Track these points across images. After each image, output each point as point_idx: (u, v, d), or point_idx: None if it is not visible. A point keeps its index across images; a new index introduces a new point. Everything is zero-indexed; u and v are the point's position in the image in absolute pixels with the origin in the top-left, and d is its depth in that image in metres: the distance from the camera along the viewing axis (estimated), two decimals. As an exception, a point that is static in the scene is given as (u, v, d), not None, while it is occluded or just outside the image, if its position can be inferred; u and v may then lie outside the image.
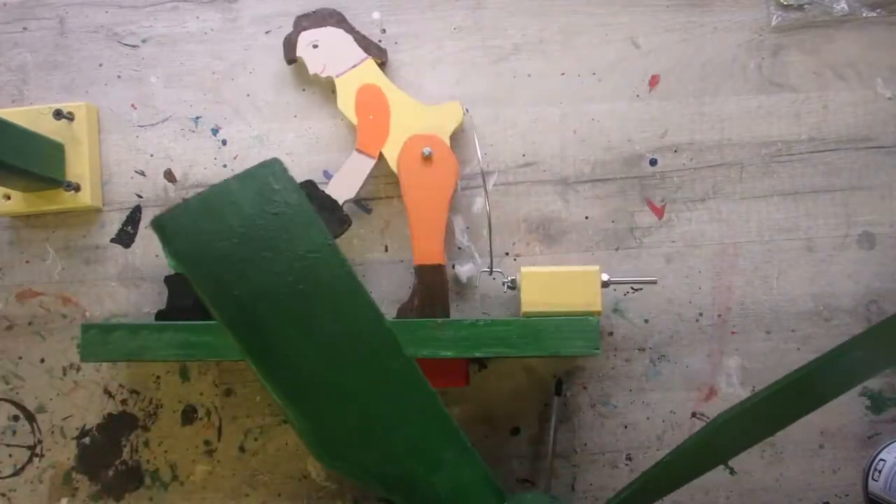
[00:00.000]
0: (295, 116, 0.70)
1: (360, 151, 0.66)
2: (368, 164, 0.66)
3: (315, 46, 0.68)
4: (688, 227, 0.69)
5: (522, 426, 0.68)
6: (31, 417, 0.68)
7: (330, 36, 0.68)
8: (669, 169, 0.69)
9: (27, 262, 0.70)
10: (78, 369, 0.68)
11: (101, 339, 0.62)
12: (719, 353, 0.68)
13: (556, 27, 0.71)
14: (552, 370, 0.68)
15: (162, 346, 0.62)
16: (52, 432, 0.68)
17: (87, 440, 0.68)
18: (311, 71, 0.68)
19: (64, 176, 0.67)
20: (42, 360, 0.69)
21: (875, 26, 0.70)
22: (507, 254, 0.69)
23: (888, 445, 0.66)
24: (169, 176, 0.70)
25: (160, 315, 0.65)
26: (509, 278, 0.65)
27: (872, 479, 0.66)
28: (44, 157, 0.65)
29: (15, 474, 0.68)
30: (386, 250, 0.69)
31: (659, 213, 0.69)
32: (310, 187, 0.69)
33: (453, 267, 0.68)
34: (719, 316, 0.68)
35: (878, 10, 0.70)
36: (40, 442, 0.68)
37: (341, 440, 0.44)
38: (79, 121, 0.68)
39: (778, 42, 0.70)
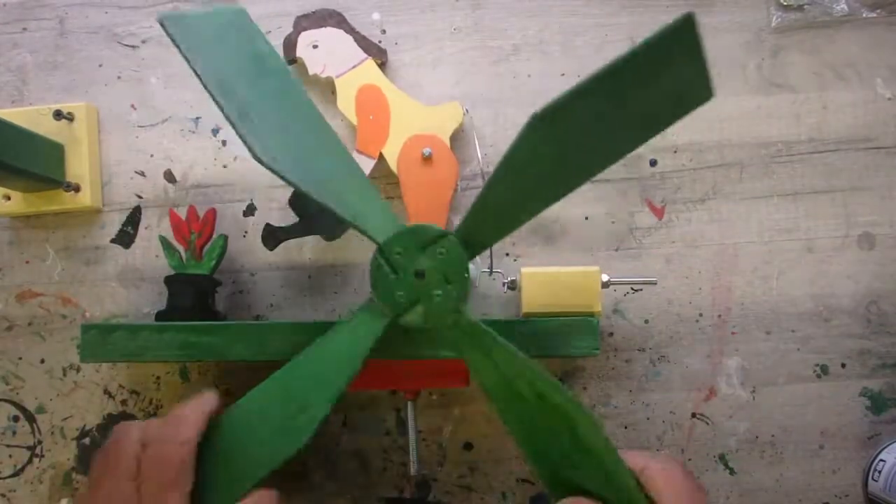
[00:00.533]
0: (295, 117, 0.70)
1: (359, 152, 0.66)
2: (368, 164, 0.66)
3: (315, 47, 0.68)
4: (688, 228, 0.69)
5: (522, 427, 0.68)
6: (30, 418, 0.69)
7: (330, 36, 0.68)
8: (669, 169, 0.69)
9: (27, 262, 0.70)
10: (78, 370, 0.69)
11: (101, 340, 0.62)
12: (719, 354, 0.68)
13: (555, 28, 0.71)
14: (551, 371, 0.68)
15: (162, 347, 0.62)
16: (52, 433, 0.68)
17: (87, 441, 0.68)
18: (311, 71, 0.68)
19: (64, 176, 0.67)
20: (42, 361, 0.69)
21: (875, 27, 0.70)
22: (506, 254, 0.69)
23: (888, 446, 0.66)
24: (169, 176, 0.70)
25: (160, 315, 0.64)
26: (509, 279, 0.65)
27: (872, 479, 0.66)
28: (43, 158, 0.65)
29: (15, 475, 0.68)
30: (386, 251, 0.69)
31: (659, 213, 0.69)
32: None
33: (453, 267, 0.68)
34: (719, 316, 0.68)
35: (879, 11, 0.70)
36: (40, 442, 0.68)
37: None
38: (78, 121, 0.68)
39: (778, 42, 0.70)
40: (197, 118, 0.70)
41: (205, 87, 0.52)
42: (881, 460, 0.65)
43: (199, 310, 0.64)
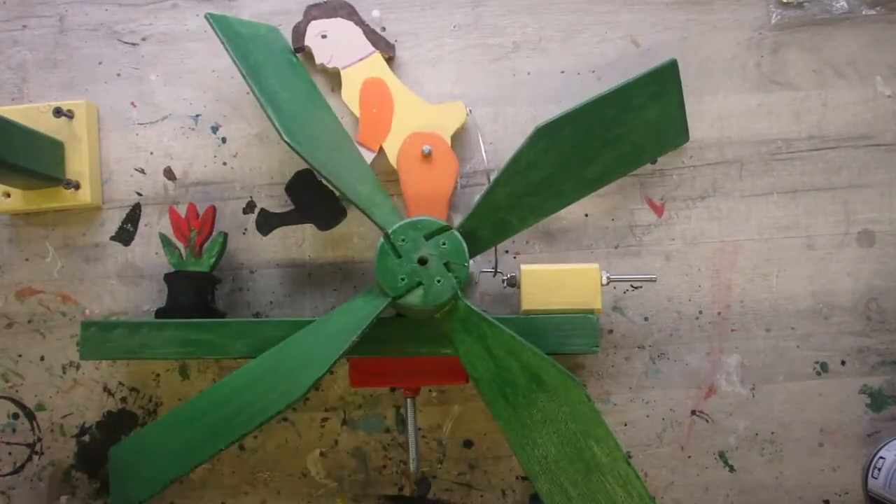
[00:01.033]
0: (295, 114, 0.70)
1: (360, 144, 0.66)
2: (368, 157, 0.66)
3: (324, 37, 0.68)
4: (687, 225, 0.69)
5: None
6: (30, 415, 0.68)
7: (339, 27, 0.68)
8: (669, 167, 0.69)
9: (27, 260, 0.70)
10: (77, 367, 0.68)
11: (100, 337, 0.62)
12: (719, 351, 0.68)
13: (555, 25, 0.71)
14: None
15: (162, 344, 0.62)
16: (52, 430, 0.68)
17: (86, 438, 0.68)
18: (318, 61, 0.68)
19: (63, 174, 0.67)
20: (42, 358, 0.69)
21: (875, 24, 0.70)
22: (506, 251, 0.69)
23: (888, 443, 0.66)
24: (168, 174, 0.70)
25: (160, 313, 0.64)
26: (508, 274, 0.65)
27: (872, 476, 0.66)
28: (43, 155, 0.65)
29: (14, 472, 0.68)
30: (386, 248, 0.69)
31: (659, 211, 0.69)
32: (308, 178, 0.69)
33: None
34: (719, 314, 0.68)
35: (878, 9, 0.70)
36: (40, 440, 0.68)
37: None
38: (78, 119, 0.68)
39: (778, 40, 0.70)
40: (197, 115, 0.70)
41: (241, 74, 0.57)
42: (881, 457, 0.65)
43: (198, 307, 0.64)
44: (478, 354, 0.57)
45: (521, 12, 0.71)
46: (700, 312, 0.68)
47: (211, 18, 0.59)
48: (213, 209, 0.67)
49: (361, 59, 0.68)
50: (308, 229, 0.69)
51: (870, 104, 0.70)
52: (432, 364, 0.63)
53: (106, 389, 0.68)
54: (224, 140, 0.70)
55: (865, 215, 0.69)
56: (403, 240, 0.57)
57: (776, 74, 0.70)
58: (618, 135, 0.61)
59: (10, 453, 0.68)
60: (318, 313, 0.69)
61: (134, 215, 0.70)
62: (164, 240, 0.66)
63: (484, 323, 0.57)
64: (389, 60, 0.69)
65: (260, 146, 0.70)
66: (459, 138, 0.69)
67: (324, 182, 0.68)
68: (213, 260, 0.65)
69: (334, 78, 0.69)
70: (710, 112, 0.70)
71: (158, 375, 0.69)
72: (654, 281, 0.66)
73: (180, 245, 0.66)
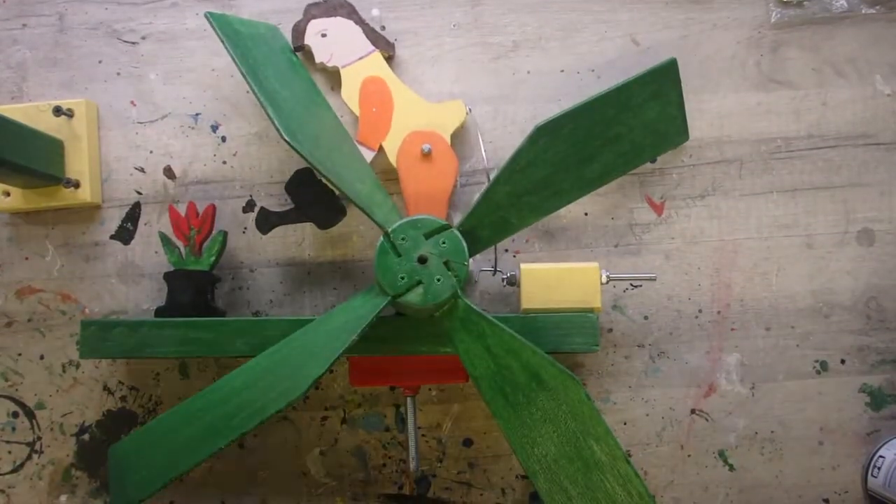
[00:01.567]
0: (294, 113, 0.70)
1: (360, 143, 0.66)
2: (368, 156, 0.66)
3: (324, 35, 0.68)
4: (687, 224, 0.69)
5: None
6: (30, 414, 0.68)
7: (339, 26, 0.68)
8: (669, 166, 0.69)
9: (27, 258, 0.70)
10: (77, 366, 0.68)
11: (100, 336, 0.62)
12: (718, 350, 0.68)
13: (555, 24, 0.71)
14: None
15: (161, 343, 0.62)
16: (52, 429, 0.68)
17: (86, 437, 0.68)
18: (318, 59, 0.68)
19: (63, 173, 0.67)
20: (41, 357, 0.69)
21: (874, 23, 0.70)
22: (506, 250, 0.69)
23: (888, 442, 0.66)
24: (168, 172, 0.70)
25: (160, 312, 0.64)
26: (508, 273, 0.65)
27: (872, 475, 0.66)
28: (43, 154, 0.65)
29: (14, 471, 0.68)
30: (385, 247, 0.69)
31: (658, 209, 0.69)
32: (308, 176, 0.69)
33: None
34: (718, 312, 0.68)
35: (878, 7, 0.70)
36: (39, 438, 0.68)
37: None
38: (78, 117, 0.68)
39: (777, 39, 0.70)
40: (196, 114, 0.70)
41: (241, 73, 0.57)
42: (881, 456, 0.65)
43: (198, 306, 0.64)
44: (477, 353, 0.57)
45: (520, 11, 0.71)
46: (700, 311, 0.68)
47: (210, 17, 0.59)
48: (213, 208, 0.67)
49: (361, 58, 0.68)
50: (308, 228, 0.69)
51: (869, 103, 0.70)
52: (432, 363, 0.63)
53: (106, 388, 0.68)
54: (224, 139, 0.70)
55: (865, 214, 0.69)
56: (403, 238, 0.57)
57: (776, 73, 0.70)
58: (617, 134, 0.61)
59: (9, 452, 0.68)
60: (317, 312, 0.69)
61: (134, 214, 0.70)
62: (164, 238, 0.66)
63: (483, 322, 0.57)
64: (389, 59, 0.69)
65: (259, 145, 0.70)
66: (459, 137, 0.69)
67: (323, 181, 0.68)
68: (213, 259, 0.65)
69: (334, 77, 0.69)
70: (709, 111, 0.70)
71: (158, 374, 0.69)
72: (654, 280, 0.66)
73: (180, 244, 0.66)
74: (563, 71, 0.70)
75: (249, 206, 0.70)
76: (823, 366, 0.68)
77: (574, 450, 0.56)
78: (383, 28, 0.71)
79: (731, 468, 0.67)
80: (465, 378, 0.63)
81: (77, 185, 0.67)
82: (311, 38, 0.68)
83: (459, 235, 0.57)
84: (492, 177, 0.61)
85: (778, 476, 0.67)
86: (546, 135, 0.59)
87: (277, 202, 0.69)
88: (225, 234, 0.66)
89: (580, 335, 0.62)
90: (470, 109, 0.69)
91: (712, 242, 0.69)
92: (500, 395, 0.56)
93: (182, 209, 0.66)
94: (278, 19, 0.70)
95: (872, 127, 0.70)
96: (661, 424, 0.68)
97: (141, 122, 0.70)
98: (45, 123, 0.67)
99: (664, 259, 0.69)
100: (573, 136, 0.60)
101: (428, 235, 0.57)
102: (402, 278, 0.56)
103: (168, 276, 0.65)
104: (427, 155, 0.65)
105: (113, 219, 0.70)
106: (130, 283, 0.69)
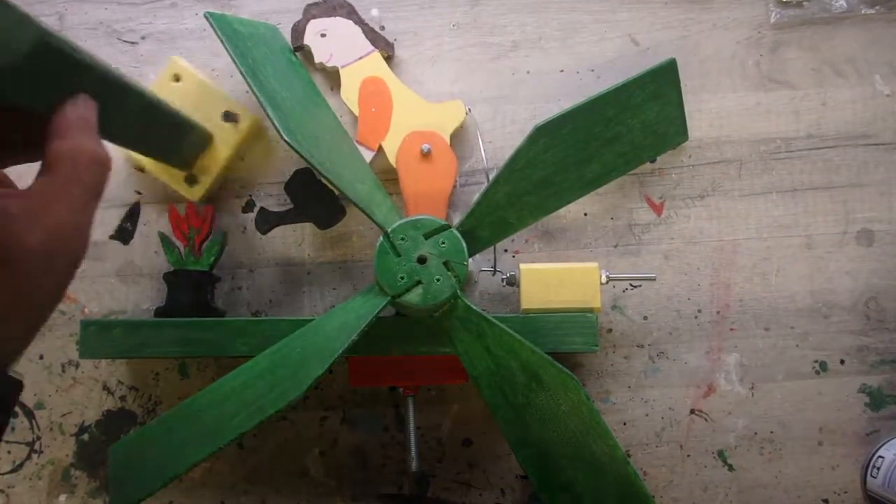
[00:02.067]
0: (294, 113, 0.70)
1: (359, 143, 0.66)
2: (367, 156, 0.66)
3: (323, 35, 0.68)
4: (686, 224, 0.69)
5: (521, 423, 0.68)
6: (29, 414, 0.68)
7: (339, 26, 0.68)
8: (668, 166, 0.69)
9: (26, 258, 0.69)
10: (77, 366, 0.68)
11: (100, 336, 0.62)
12: (718, 350, 0.68)
13: (554, 24, 0.71)
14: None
15: (161, 343, 0.62)
16: (51, 429, 0.68)
17: (85, 437, 0.68)
18: (317, 60, 0.68)
19: (193, 166, 0.67)
20: (41, 357, 0.69)
21: (874, 23, 0.70)
22: (505, 250, 0.69)
23: (887, 442, 0.67)
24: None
25: (159, 312, 0.64)
26: (507, 273, 0.65)
27: (871, 475, 0.66)
28: (196, 141, 0.65)
29: (13, 471, 0.68)
30: (385, 247, 0.69)
31: (658, 210, 0.69)
32: (307, 176, 0.69)
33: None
34: (718, 313, 0.68)
35: (878, 7, 0.70)
36: (39, 438, 0.68)
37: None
38: (240, 127, 0.67)
39: (777, 39, 0.70)
40: (196, 114, 0.70)
41: (241, 73, 0.57)
42: (880, 457, 0.65)
43: (198, 306, 0.64)
44: (477, 353, 0.57)
45: (520, 11, 0.71)
46: (699, 311, 0.68)
47: (210, 17, 0.59)
48: (213, 208, 0.67)
49: (361, 58, 0.68)
50: (307, 228, 0.69)
51: (869, 103, 0.70)
52: (432, 363, 0.63)
53: (105, 388, 0.69)
54: (223, 139, 0.70)
55: (864, 214, 0.69)
56: (403, 239, 0.57)
57: (775, 73, 0.70)
58: (617, 134, 0.62)
59: (9, 452, 0.68)
60: (317, 312, 0.69)
61: (133, 214, 0.70)
62: (164, 239, 0.66)
63: (483, 321, 0.57)
64: (388, 59, 0.69)
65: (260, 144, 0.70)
66: (459, 137, 0.69)
67: (323, 181, 0.68)
68: (213, 259, 0.65)
69: (333, 77, 0.69)
70: (709, 111, 0.70)
71: (158, 374, 0.69)
72: (654, 280, 0.67)
73: (180, 244, 0.66)
74: (562, 71, 0.70)
75: (249, 207, 0.70)
76: (823, 366, 0.68)
77: (573, 450, 0.56)
78: (382, 28, 0.71)
79: (731, 468, 0.67)
80: (465, 378, 0.63)
81: (195, 180, 0.67)
82: (310, 38, 0.68)
83: (459, 236, 0.58)
84: (491, 177, 0.61)
85: (777, 476, 0.67)
86: (545, 135, 0.59)
87: (277, 202, 0.69)
88: (225, 234, 0.66)
89: (580, 335, 0.62)
90: (469, 109, 0.69)
91: (712, 242, 0.69)
92: (500, 394, 0.57)
93: (182, 209, 0.66)
94: (278, 19, 0.70)
95: (872, 127, 0.70)
96: (661, 424, 0.68)
97: (140, 122, 0.70)
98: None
99: (664, 259, 0.69)
100: (573, 137, 0.60)
101: (427, 235, 0.57)
102: (402, 278, 0.56)
103: (168, 277, 0.65)
104: (427, 155, 0.65)
105: (112, 218, 0.70)
106: (130, 283, 0.69)
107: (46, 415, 0.68)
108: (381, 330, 0.61)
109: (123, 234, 0.70)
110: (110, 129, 0.55)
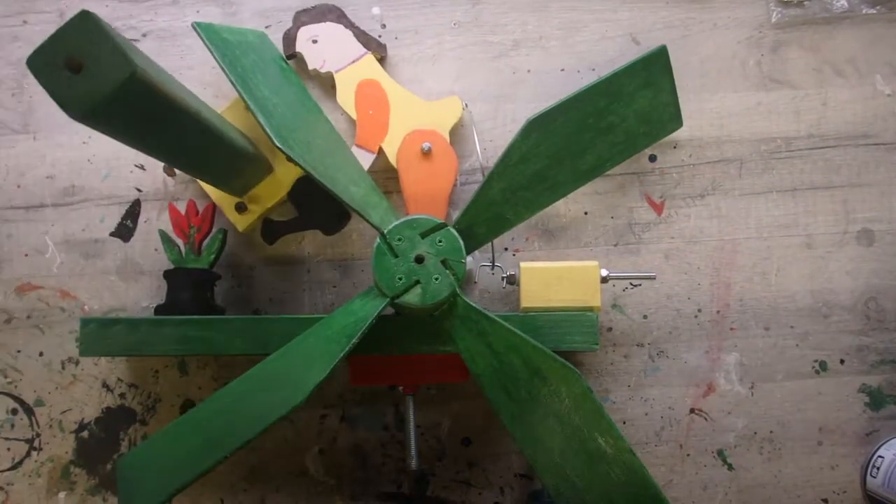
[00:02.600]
0: (294, 111, 0.70)
1: (359, 146, 0.66)
2: (368, 158, 0.66)
3: (314, 42, 0.68)
4: (687, 224, 0.69)
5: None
6: (29, 411, 0.68)
7: (330, 31, 0.68)
8: (669, 165, 0.69)
9: (26, 255, 0.70)
10: (77, 363, 0.68)
11: (100, 334, 0.62)
12: (718, 350, 0.68)
13: (555, 23, 0.71)
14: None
15: (161, 341, 0.62)
16: (51, 426, 0.68)
17: (85, 434, 0.68)
18: (311, 66, 0.68)
19: (246, 192, 0.67)
20: (41, 354, 0.69)
21: (875, 23, 0.70)
22: (506, 249, 0.69)
23: (887, 442, 0.66)
24: (168, 170, 0.70)
25: (159, 310, 0.64)
26: (508, 273, 0.65)
27: (871, 475, 0.66)
28: (255, 170, 0.66)
29: (13, 468, 0.68)
30: (385, 245, 0.69)
31: (658, 209, 0.69)
32: (311, 184, 0.69)
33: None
34: (718, 312, 0.68)
35: (878, 7, 0.70)
36: (38, 435, 0.68)
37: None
38: None
39: (778, 39, 0.70)
40: (197, 112, 0.70)
41: (231, 81, 0.56)
42: (880, 456, 0.65)
43: (198, 304, 0.64)
44: (478, 351, 0.57)
45: (521, 10, 0.71)
46: (699, 310, 0.68)
47: (198, 27, 0.58)
48: (213, 206, 0.67)
49: (354, 62, 0.68)
50: (307, 226, 0.69)
51: (869, 103, 0.70)
52: (431, 362, 0.63)
53: (105, 385, 0.69)
54: (224, 137, 0.70)
55: (865, 214, 0.69)
56: (399, 239, 0.57)
57: (776, 73, 0.70)
58: (610, 124, 0.61)
59: (8, 449, 0.68)
60: (317, 310, 0.69)
61: (133, 211, 0.70)
62: (164, 236, 0.66)
63: (483, 319, 0.57)
64: (382, 60, 0.69)
65: (260, 143, 0.70)
66: (459, 135, 0.69)
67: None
68: (213, 257, 0.65)
69: (328, 82, 0.69)
70: (709, 110, 0.70)
71: (157, 372, 0.69)
72: (654, 279, 0.67)
73: (180, 242, 0.66)
74: (563, 70, 0.70)
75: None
76: (823, 366, 0.68)
77: (579, 443, 0.56)
78: (384, 26, 0.71)
79: (730, 468, 0.67)
80: (465, 377, 0.63)
81: (245, 208, 0.67)
82: (302, 45, 0.68)
83: (456, 233, 0.57)
84: (487, 171, 0.61)
85: (777, 476, 0.67)
86: (538, 128, 0.59)
87: (280, 212, 0.69)
88: (225, 232, 0.66)
89: (580, 334, 0.62)
90: (466, 105, 0.69)
91: (712, 242, 0.69)
92: (503, 391, 0.57)
93: (182, 207, 0.66)
94: (279, 18, 0.70)
95: (872, 127, 0.70)
96: (661, 424, 0.68)
97: (141, 120, 0.70)
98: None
99: (664, 258, 0.69)
100: (565, 129, 0.60)
101: (424, 235, 0.57)
102: (400, 279, 0.56)
103: (168, 274, 0.65)
104: (427, 154, 0.65)
105: (113, 216, 0.70)
106: (130, 280, 0.69)
107: (46, 412, 0.68)
108: (380, 329, 0.61)
109: (124, 231, 0.70)
110: (177, 160, 0.57)
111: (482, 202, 0.59)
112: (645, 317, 0.68)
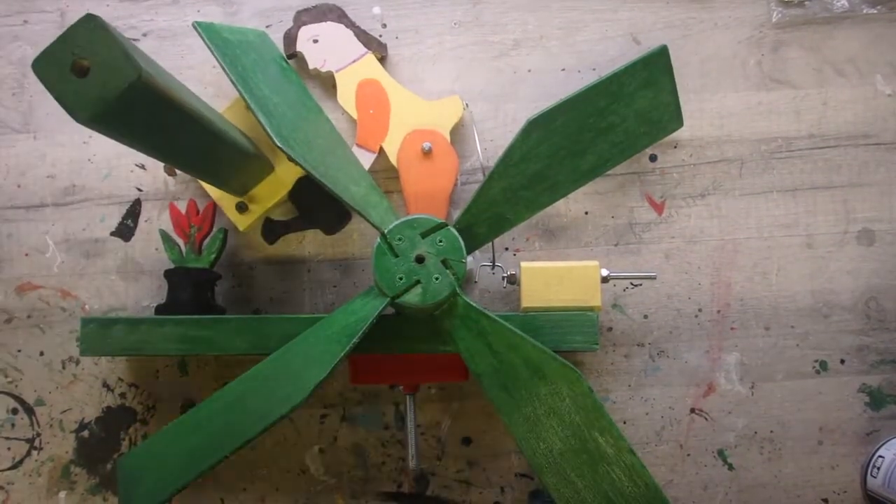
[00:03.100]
0: (295, 111, 0.70)
1: (360, 146, 0.66)
2: (368, 158, 0.66)
3: (315, 41, 0.68)
4: (687, 223, 0.69)
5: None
6: (29, 410, 0.68)
7: (330, 31, 0.68)
8: (669, 165, 0.69)
9: (26, 255, 0.70)
10: (77, 362, 0.68)
11: (100, 333, 0.62)
12: (718, 349, 0.68)
13: (556, 23, 0.71)
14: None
15: (161, 341, 0.62)
16: (51, 425, 0.68)
17: (85, 433, 0.68)
18: (311, 66, 0.68)
19: (247, 191, 0.67)
20: (41, 354, 0.69)
21: (875, 23, 0.70)
22: (506, 249, 0.69)
23: (887, 442, 0.66)
24: (169, 170, 0.70)
25: (160, 309, 0.64)
26: (508, 272, 0.65)
27: (871, 475, 0.66)
28: (255, 170, 0.66)
29: (13, 467, 0.68)
30: (385, 245, 0.69)
31: (658, 208, 0.69)
32: (311, 183, 0.69)
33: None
34: (718, 312, 0.68)
35: (878, 7, 0.70)
36: (39, 435, 0.68)
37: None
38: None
39: (778, 38, 0.70)
40: (197, 112, 0.70)
41: (231, 81, 0.56)
42: (880, 456, 0.65)
43: (198, 303, 0.64)
44: (478, 350, 0.57)
45: (521, 10, 0.71)
46: (699, 310, 0.68)
47: (199, 26, 0.58)
48: (214, 206, 0.67)
49: (354, 61, 0.68)
50: (308, 226, 0.69)
51: (870, 103, 0.70)
52: (432, 361, 0.63)
53: (105, 385, 0.69)
54: (224, 136, 0.70)
55: (865, 214, 0.69)
56: (400, 239, 0.57)
57: (777, 73, 0.70)
58: (611, 124, 0.61)
59: (8, 448, 0.68)
60: (317, 310, 0.69)
61: (134, 211, 0.70)
62: (165, 236, 0.66)
63: (484, 318, 0.57)
64: (382, 60, 0.69)
65: (260, 142, 0.70)
66: (459, 135, 0.69)
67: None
68: (213, 256, 0.65)
69: (329, 82, 0.69)
70: (710, 110, 0.70)
71: (158, 371, 0.69)
72: (654, 279, 0.67)
73: (180, 241, 0.66)
74: (564, 70, 0.70)
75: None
76: (823, 366, 0.68)
77: (579, 442, 0.56)
78: (384, 26, 0.71)
79: (731, 467, 0.67)
80: (465, 376, 0.63)
81: (246, 207, 0.67)
82: (303, 45, 0.68)
83: (456, 233, 0.57)
84: (487, 170, 0.61)
85: (777, 475, 0.67)
86: (538, 128, 0.59)
87: (281, 211, 0.69)
88: (225, 231, 0.66)
89: (580, 334, 0.62)
90: (466, 104, 0.69)
91: (712, 242, 0.69)
92: (503, 391, 0.56)
93: (182, 207, 0.66)
94: (280, 17, 0.70)
95: (873, 127, 0.70)
96: (661, 423, 0.68)
97: (141, 120, 0.70)
98: None
99: (664, 258, 0.69)
100: (566, 129, 0.60)
101: (424, 234, 0.57)
102: (401, 279, 0.56)
103: (168, 274, 0.65)
104: (427, 153, 0.65)
105: (113, 215, 0.70)
106: (131, 280, 0.69)
107: (46, 411, 0.68)
108: (381, 329, 0.61)
109: (124, 230, 0.70)
110: (179, 161, 0.57)
111: (483, 202, 0.59)
112: (645, 317, 0.68)
